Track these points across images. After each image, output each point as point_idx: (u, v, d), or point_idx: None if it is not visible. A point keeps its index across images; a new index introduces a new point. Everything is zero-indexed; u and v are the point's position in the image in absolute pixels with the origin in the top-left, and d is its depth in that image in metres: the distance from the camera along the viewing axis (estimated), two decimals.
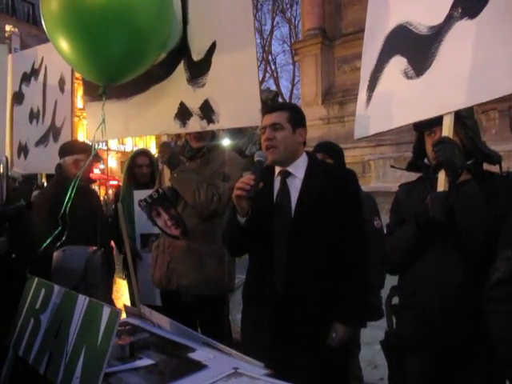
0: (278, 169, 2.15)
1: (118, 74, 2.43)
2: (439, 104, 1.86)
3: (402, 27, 2.09)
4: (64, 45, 2.26)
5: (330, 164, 2.26)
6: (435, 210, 1.72)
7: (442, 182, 1.80)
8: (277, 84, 28.36)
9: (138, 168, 3.70)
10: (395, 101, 2.12)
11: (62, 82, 3.93)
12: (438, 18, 1.89)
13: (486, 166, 1.95)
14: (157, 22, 2.32)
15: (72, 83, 3.94)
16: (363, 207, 2.19)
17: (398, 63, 2.11)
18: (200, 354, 1.67)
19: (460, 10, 1.80)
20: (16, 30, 29.42)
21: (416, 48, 2.00)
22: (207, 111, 2.53)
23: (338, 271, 2.04)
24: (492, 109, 8.00)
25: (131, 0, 2.20)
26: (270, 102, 12.89)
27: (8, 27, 29.50)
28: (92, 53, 2.24)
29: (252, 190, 1.92)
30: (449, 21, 1.85)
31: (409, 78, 2.03)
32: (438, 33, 1.89)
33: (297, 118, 2.14)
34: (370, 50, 2.33)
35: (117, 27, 2.18)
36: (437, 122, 1.87)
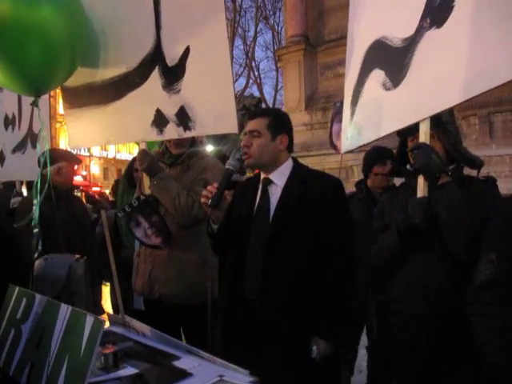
0: (262, 175, 2.15)
1: (43, 84, 2.54)
2: (416, 111, 1.91)
3: (380, 42, 2.16)
4: None
5: (314, 172, 2.22)
6: (416, 216, 1.74)
7: (421, 187, 1.83)
8: (260, 90, 28.44)
9: (136, 172, 3.74)
10: (376, 112, 2.17)
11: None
12: (410, 30, 1.95)
13: (467, 171, 1.98)
14: (69, 33, 2.47)
15: None
16: (350, 220, 2.10)
17: (377, 76, 2.16)
18: (185, 362, 1.65)
19: (428, 21, 1.85)
20: None
21: (392, 60, 2.06)
22: (183, 118, 2.50)
23: (319, 284, 1.98)
24: (472, 115, 8.14)
25: (39, 16, 2.34)
26: (254, 108, 12.91)
27: None
28: (12, 69, 2.40)
29: (213, 199, 1.91)
30: (419, 32, 1.90)
31: (387, 89, 2.08)
32: (410, 44, 1.95)
33: (278, 125, 2.12)
34: (352, 65, 2.40)
35: (31, 42, 2.33)
36: (418, 128, 1.90)
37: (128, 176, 3.86)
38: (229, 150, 12.51)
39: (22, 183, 4.42)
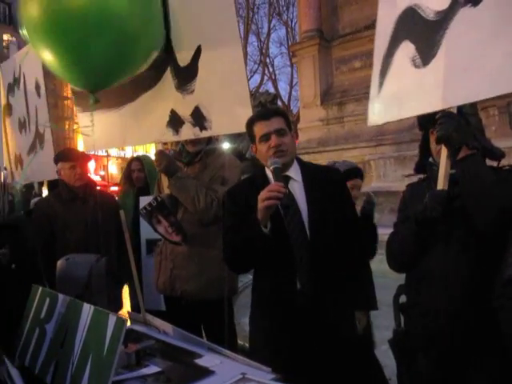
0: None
1: (103, 80, 2.39)
2: (444, 97, 1.82)
3: (411, 10, 2.03)
4: (47, 52, 2.25)
5: (317, 165, 2.33)
6: (433, 208, 1.72)
7: (443, 159, 1.79)
8: (275, 86, 28.35)
9: (133, 173, 4.03)
10: (404, 90, 2.08)
11: (37, 87, 3.89)
12: (444, 3, 1.84)
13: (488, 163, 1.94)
14: (143, 27, 2.30)
15: (45, 86, 3.87)
16: None
17: (407, 49, 2.06)
18: (207, 359, 1.66)
19: None
20: (14, 38, 29.53)
21: (423, 34, 1.95)
22: (199, 118, 2.49)
23: (349, 263, 2.11)
24: (491, 106, 7.99)
25: (115, 5, 2.18)
26: (269, 105, 12.87)
27: (6, 36, 29.65)
28: (75, 59, 2.22)
29: (285, 197, 1.88)
30: (453, 7, 1.79)
31: (416, 66, 1.99)
32: (444, 19, 1.84)
33: (289, 123, 2.17)
34: (383, 33, 2.26)
35: (100, 33, 2.15)
36: None
37: (127, 177, 4.08)
38: (245, 148, 12.56)
39: (41, 184, 4.50)
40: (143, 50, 2.40)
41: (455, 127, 1.72)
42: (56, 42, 2.19)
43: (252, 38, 28.31)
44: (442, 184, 1.79)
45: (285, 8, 28.30)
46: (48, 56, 2.26)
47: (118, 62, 2.31)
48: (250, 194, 2.08)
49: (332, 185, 2.14)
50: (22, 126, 4.16)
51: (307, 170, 2.18)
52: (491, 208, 1.67)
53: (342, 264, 2.09)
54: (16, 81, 4.18)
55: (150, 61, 2.52)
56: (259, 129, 2.10)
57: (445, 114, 1.77)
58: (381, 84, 2.23)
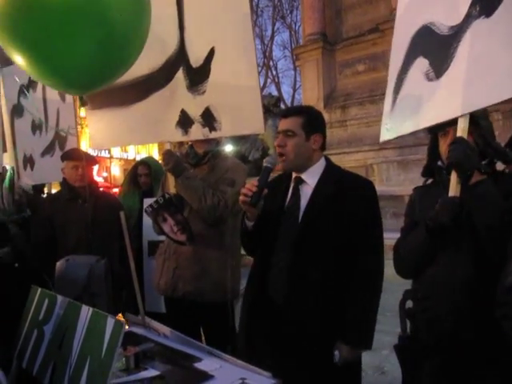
0: (294, 174, 2.13)
1: (89, 85, 2.23)
2: (456, 106, 1.83)
3: (427, 28, 2.06)
4: (21, 58, 1.96)
5: (346, 172, 2.21)
6: (444, 215, 1.70)
7: (453, 185, 1.77)
8: (278, 89, 28.45)
9: (139, 177, 4.06)
10: (417, 103, 2.09)
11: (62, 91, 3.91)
12: (458, 18, 1.86)
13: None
14: (133, 22, 2.05)
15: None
16: (380, 223, 2.10)
17: (420, 65, 2.08)
18: (206, 363, 1.64)
19: (478, 8, 1.76)
20: None
21: (437, 49, 1.98)
22: (208, 119, 2.49)
23: (346, 285, 1.97)
24: (495, 110, 7.98)
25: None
26: (272, 108, 12.90)
27: None
28: (53, 66, 1.96)
29: (254, 197, 1.89)
30: (467, 20, 1.81)
31: (429, 79, 2.01)
32: (457, 33, 1.86)
33: (312, 124, 2.10)
34: (398, 51, 2.30)
35: (83, 30, 1.86)
36: (450, 122, 1.85)
37: (133, 179, 4.11)
38: (248, 150, 12.57)
39: (51, 184, 4.52)
40: (132, 49, 2.18)
41: (465, 154, 1.71)
42: (26, 42, 1.88)
43: (255, 41, 28.38)
44: (454, 191, 1.78)
45: (289, 11, 28.43)
46: (23, 63, 1.99)
47: (103, 64, 2.06)
48: (275, 188, 2.13)
49: (349, 198, 2.02)
50: (37, 127, 4.17)
51: (329, 174, 2.11)
52: (497, 234, 1.65)
53: (327, 283, 1.97)
54: (32, 83, 4.16)
55: (157, 63, 2.56)
56: (279, 126, 2.12)
57: (456, 139, 1.77)
58: (394, 100, 2.25)
